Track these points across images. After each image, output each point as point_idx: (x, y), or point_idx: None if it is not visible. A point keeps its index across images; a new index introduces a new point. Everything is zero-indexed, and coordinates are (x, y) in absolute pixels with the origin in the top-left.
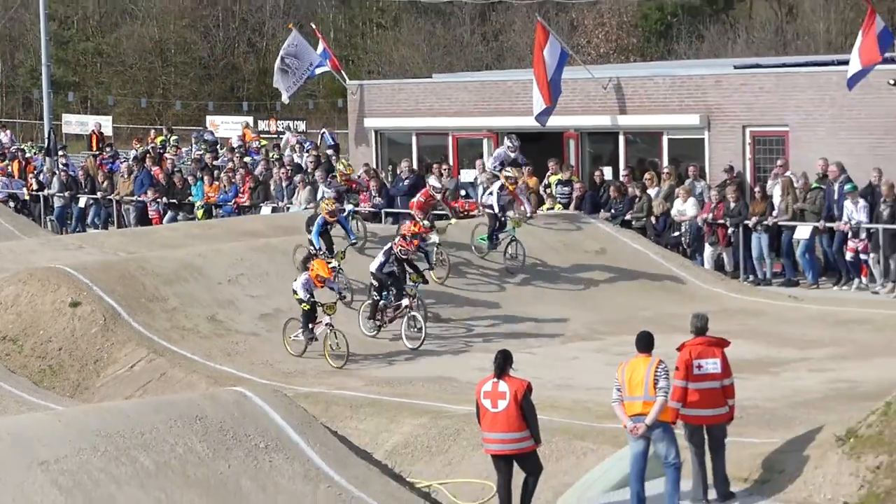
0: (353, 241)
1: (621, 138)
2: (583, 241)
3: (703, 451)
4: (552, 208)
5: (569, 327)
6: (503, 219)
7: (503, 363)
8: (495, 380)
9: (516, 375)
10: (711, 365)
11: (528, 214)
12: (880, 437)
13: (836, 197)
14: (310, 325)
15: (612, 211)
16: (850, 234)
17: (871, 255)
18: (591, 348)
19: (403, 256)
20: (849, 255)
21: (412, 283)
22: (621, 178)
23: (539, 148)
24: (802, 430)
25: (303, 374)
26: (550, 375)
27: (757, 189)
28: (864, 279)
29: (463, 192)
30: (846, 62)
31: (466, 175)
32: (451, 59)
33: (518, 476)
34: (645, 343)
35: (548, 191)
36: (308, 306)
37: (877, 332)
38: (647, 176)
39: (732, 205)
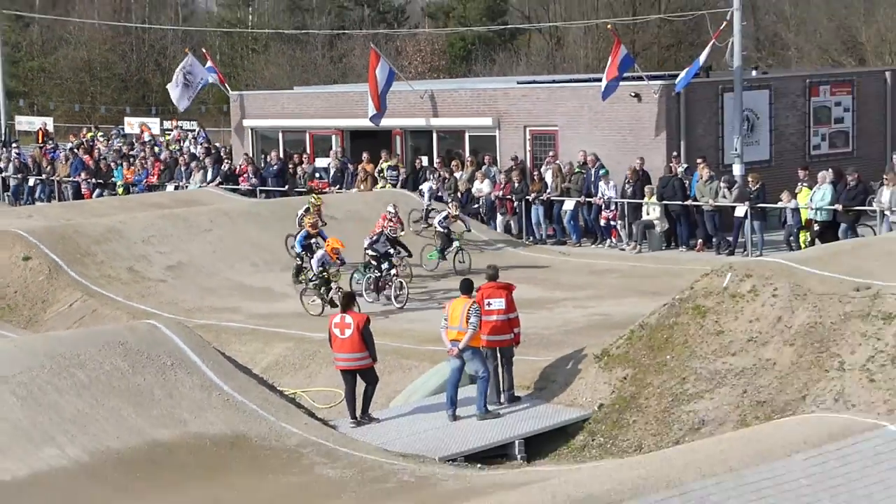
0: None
1: (435, 135)
2: (409, 213)
3: (496, 367)
4: (384, 187)
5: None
6: (450, 238)
7: (348, 302)
8: (342, 314)
9: (359, 310)
10: (498, 303)
11: (467, 228)
12: (626, 355)
13: (593, 179)
14: (327, 291)
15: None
16: (603, 207)
17: (619, 221)
18: (412, 291)
19: (393, 235)
20: (603, 222)
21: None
22: (435, 165)
23: (374, 142)
24: (570, 351)
25: (199, 310)
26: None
27: (535, 173)
28: (613, 240)
29: (318, 175)
30: (600, 79)
31: (320, 162)
32: (307, 75)
33: (360, 386)
34: (465, 287)
35: (381, 174)
36: (319, 277)
37: (623, 279)
38: (454, 163)
39: (517, 184)
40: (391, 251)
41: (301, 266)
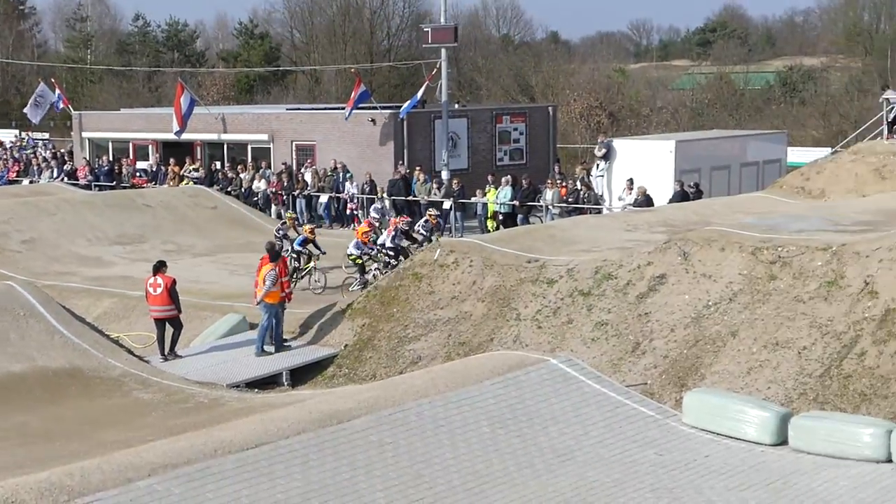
0: (323, 252)
1: (225, 146)
2: (204, 202)
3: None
4: (187, 183)
5: (196, 249)
6: (432, 238)
7: (159, 266)
8: (154, 276)
9: (168, 274)
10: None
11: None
12: (365, 309)
13: (341, 180)
14: (363, 272)
15: (220, 185)
16: (348, 200)
17: (360, 211)
18: (207, 260)
19: (405, 228)
20: (348, 211)
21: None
22: (226, 168)
23: (181, 151)
24: (324, 306)
25: (46, 274)
26: (187, 275)
27: (299, 175)
28: (355, 224)
29: (138, 174)
30: (344, 107)
31: (141, 164)
32: (131, 100)
33: (169, 331)
34: (270, 254)
35: (186, 174)
36: (360, 259)
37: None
38: (240, 167)
39: (286, 183)
40: (404, 245)
41: (297, 267)
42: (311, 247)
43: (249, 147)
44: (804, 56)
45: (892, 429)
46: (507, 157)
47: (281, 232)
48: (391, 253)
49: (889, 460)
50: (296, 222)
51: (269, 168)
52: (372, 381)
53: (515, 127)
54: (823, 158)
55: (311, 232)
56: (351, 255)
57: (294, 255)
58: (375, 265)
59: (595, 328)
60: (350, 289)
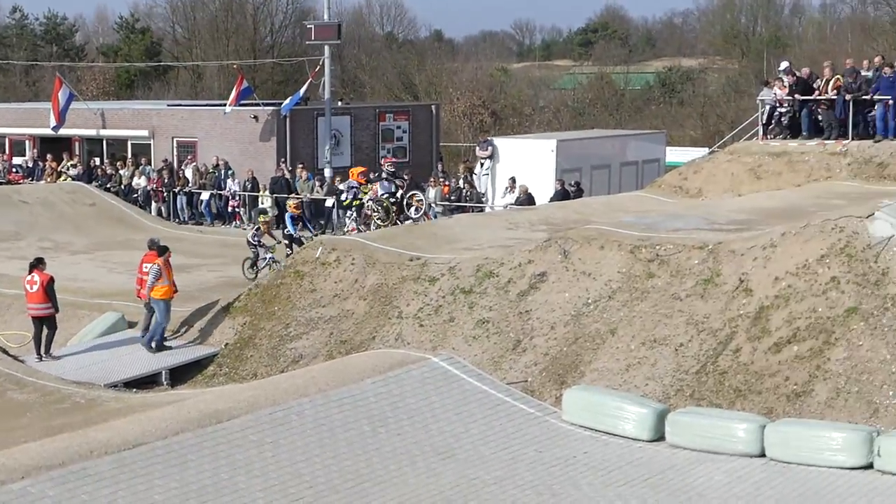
0: (317, 232)
1: (105, 142)
2: (82, 199)
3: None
4: (65, 179)
5: (74, 247)
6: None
7: (36, 264)
8: (31, 274)
9: (45, 271)
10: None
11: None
12: (246, 307)
13: (223, 177)
14: (359, 212)
15: (99, 182)
16: (230, 197)
17: (242, 209)
18: (86, 258)
19: (392, 169)
20: (230, 209)
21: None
22: (106, 164)
23: (59, 146)
24: (204, 304)
25: None
26: (65, 272)
27: (180, 171)
28: (237, 222)
29: (15, 170)
30: (225, 104)
31: (17, 160)
32: (8, 94)
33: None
34: (157, 250)
35: (64, 171)
36: (358, 202)
37: (245, 251)
38: (120, 163)
39: (166, 180)
40: (392, 187)
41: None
42: (301, 226)
43: (129, 143)
44: (683, 57)
45: (765, 424)
46: (390, 154)
47: (256, 239)
48: (388, 194)
49: (762, 455)
50: (270, 226)
51: (150, 165)
52: (253, 380)
53: (399, 125)
54: (701, 158)
55: (297, 207)
56: (344, 200)
57: (286, 244)
58: (375, 213)
59: (476, 326)
60: (345, 230)
